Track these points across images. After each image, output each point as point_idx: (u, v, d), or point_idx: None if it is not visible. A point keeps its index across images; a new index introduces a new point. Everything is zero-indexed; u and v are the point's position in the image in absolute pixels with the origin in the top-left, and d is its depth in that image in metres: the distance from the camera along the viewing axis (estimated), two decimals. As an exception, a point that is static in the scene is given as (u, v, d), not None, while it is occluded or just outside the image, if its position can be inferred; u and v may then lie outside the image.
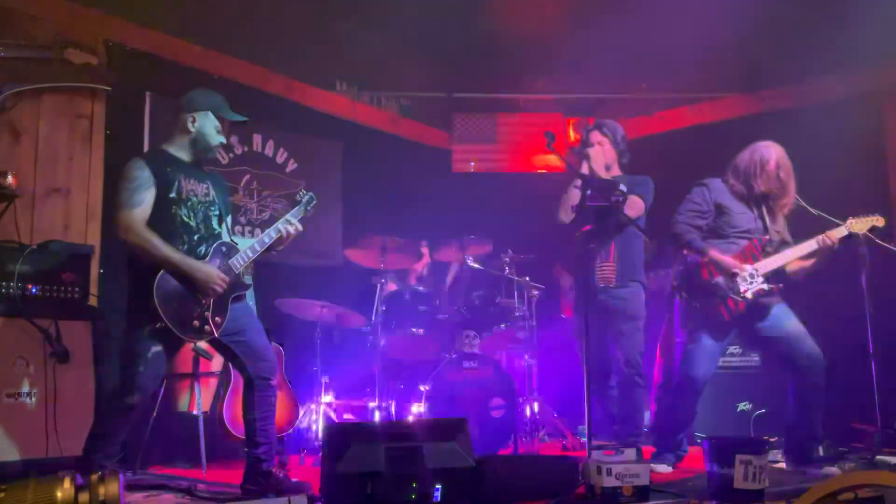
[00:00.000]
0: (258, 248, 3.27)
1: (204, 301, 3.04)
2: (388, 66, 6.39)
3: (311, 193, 3.57)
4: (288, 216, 3.40)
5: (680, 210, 3.84)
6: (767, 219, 3.79)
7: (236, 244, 3.27)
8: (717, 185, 3.84)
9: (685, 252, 3.78)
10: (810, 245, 3.65)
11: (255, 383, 3.20)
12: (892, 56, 5.06)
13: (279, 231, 3.31)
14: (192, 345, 3.35)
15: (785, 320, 3.69)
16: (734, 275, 3.61)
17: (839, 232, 3.66)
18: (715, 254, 3.66)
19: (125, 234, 2.97)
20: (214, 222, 3.25)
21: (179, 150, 3.20)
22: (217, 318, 3.07)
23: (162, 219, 3.05)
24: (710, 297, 3.66)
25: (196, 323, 3.00)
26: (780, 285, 3.66)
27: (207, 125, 3.20)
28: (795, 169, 3.78)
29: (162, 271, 2.95)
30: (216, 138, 3.23)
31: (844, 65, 5.20)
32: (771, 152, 3.74)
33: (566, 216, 3.95)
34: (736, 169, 3.82)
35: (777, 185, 3.72)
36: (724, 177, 3.86)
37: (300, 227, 3.36)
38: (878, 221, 3.69)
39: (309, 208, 3.54)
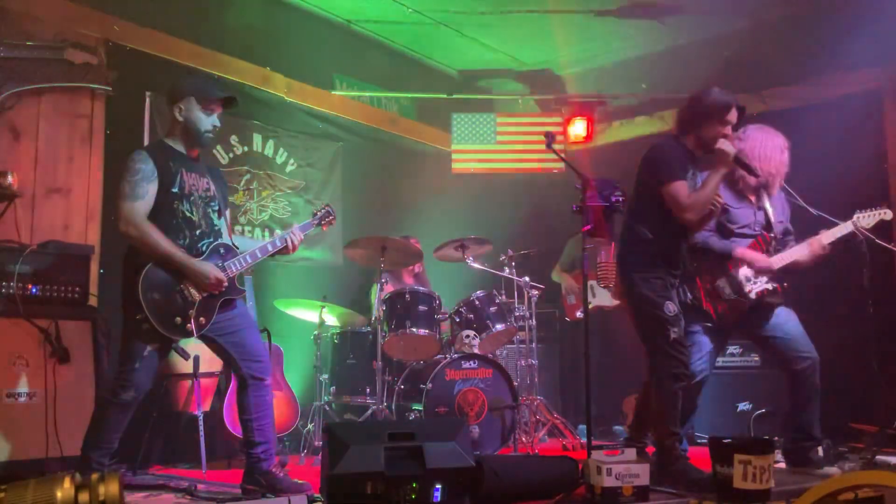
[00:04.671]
0: (259, 255, 3.26)
1: (191, 299, 3.04)
2: (388, 66, 6.40)
3: (329, 208, 3.57)
4: (296, 227, 3.39)
5: None
6: (769, 210, 3.72)
7: (236, 247, 3.27)
8: None
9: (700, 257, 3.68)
10: (814, 242, 3.61)
11: (248, 383, 3.20)
12: (892, 55, 5.05)
13: (284, 241, 3.30)
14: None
15: (786, 321, 3.66)
16: (733, 279, 3.60)
17: (841, 229, 3.62)
18: (741, 251, 3.60)
19: (125, 227, 2.96)
20: (214, 217, 3.25)
21: (177, 143, 3.20)
22: (201, 319, 3.06)
23: (164, 213, 3.05)
24: (714, 296, 3.65)
25: (178, 320, 3.00)
26: (785, 284, 3.63)
27: (193, 110, 3.15)
28: (795, 168, 3.75)
29: (150, 264, 2.95)
30: (206, 122, 3.17)
31: (845, 64, 5.20)
32: (777, 139, 3.68)
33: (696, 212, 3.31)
34: (740, 160, 3.77)
35: (781, 165, 3.67)
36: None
37: (297, 244, 3.34)
38: (886, 215, 3.62)
39: (323, 222, 3.54)
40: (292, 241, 3.31)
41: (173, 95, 3.18)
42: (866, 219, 3.62)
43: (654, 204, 3.35)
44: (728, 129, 3.35)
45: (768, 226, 3.72)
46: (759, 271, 3.58)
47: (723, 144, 3.32)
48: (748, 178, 3.64)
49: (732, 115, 3.35)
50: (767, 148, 3.66)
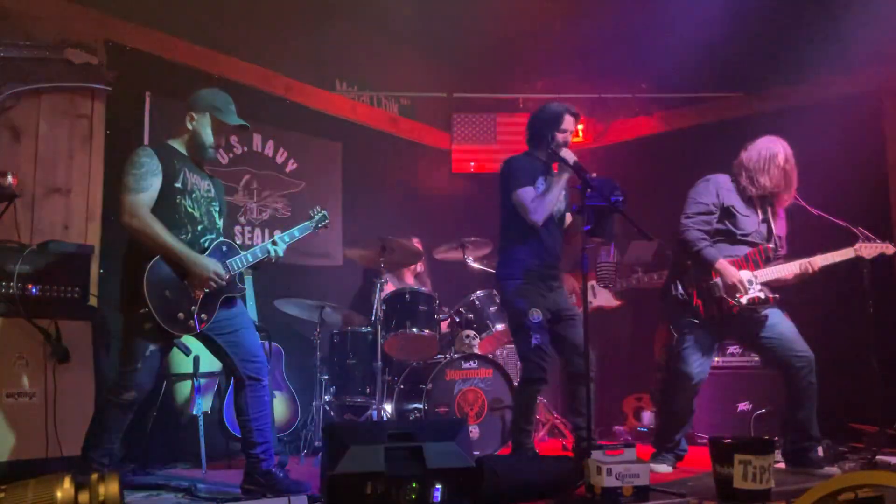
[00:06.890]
0: (259, 255, 3.30)
1: (194, 295, 3.04)
2: (388, 66, 6.40)
3: (324, 212, 3.60)
4: (289, 232, 3.43)
5: (688, 213, 3.76)
6: (772, 223, 3.79)
7: (238, 246, 3.29)
8: (723, 181, 3.80)
9: (690, 258, 3.73)
10: (806, 264, 3.66)
11: (245, 383, 3.21)
12: (891, 56, 5.05)
13: (266, 251, 3.31)
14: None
15: (778, 323, 3.69)
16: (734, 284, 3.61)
17: (842, 255, 3.65)
18: (723, 265, 3.64)
19: (129, 219, 2.97)
20: (216, 216, 3.28)
21: (181, 146, 3.24)
22: (203, 315, 3.08)
23: (167, 207, 3.06)
24: (706, 294, 3.67)
25: (181, 315, 3.01)
26: (776, 296, 3.66)
27: (204, 125, 3.22)
28: (796, 168, 3.78)
29: (156, 258, 2.96)
30: (210, 139, 3.24)
31: (844, 65, 5.19)
32: (777, 147, 3.72)
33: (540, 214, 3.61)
34: (742, 166, 3.77)
35: (784, 179, 3.70)
36: (731, 174, 3.83)
37: (280, 255, 3.35)
38: (888, 249, 3.66)
39: (320, 226, 3.56)
40: (276, 252, 3.32)
41: (192, 104, 3.23)
42: (867, 249, 3.65)
43: (515, 215, 3.56)
44: (567, 136, 3.67)
45: (769, 237, 3.77)
46: (729, 287, 3.62)
47: (563, 153, 3.58)
48: (750, 188, 3.73)
49: (567, 123, 3.67)
50: (763, 161, 3.73)
